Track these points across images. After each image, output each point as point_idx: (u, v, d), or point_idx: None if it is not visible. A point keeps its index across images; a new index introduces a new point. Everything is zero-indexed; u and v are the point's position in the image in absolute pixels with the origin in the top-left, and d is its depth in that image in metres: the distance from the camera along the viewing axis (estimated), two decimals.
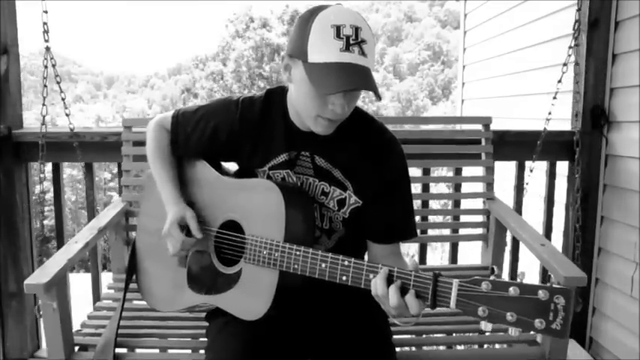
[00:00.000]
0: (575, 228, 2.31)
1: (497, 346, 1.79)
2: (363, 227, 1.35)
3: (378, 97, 1.16)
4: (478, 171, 2.25)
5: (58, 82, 2.20)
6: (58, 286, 1.50)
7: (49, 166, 2.38)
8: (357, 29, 1.13)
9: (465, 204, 2.35)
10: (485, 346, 1.93)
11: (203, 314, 1.47)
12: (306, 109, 1.20)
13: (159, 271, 1.49)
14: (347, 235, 1.37)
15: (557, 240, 2.51)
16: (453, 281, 0.99)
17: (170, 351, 1.69)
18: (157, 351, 1.69)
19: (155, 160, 1.45)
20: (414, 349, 1.68)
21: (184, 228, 1.37)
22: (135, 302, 1.84)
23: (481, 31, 4.82)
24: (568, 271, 1.54)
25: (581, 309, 2.27)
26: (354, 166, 1.30)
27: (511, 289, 0.94)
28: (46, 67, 2.12)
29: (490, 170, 2.21)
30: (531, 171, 2.34)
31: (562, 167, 2.47)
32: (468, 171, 2.35)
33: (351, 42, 1.11)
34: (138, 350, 1.63)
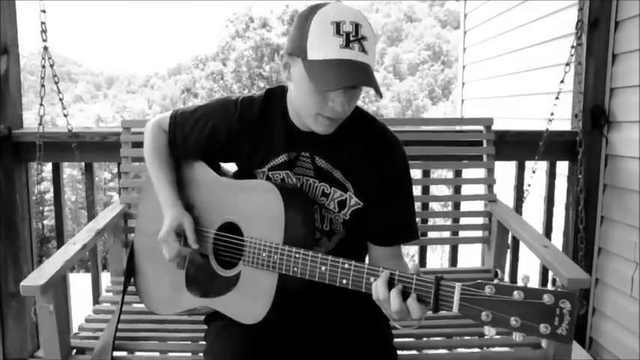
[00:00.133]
0: (578, 229, 2.30)
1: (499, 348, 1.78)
2: (364, 229, 1.33)
3: (379, 95, 1.14)
4: (479, 172, 2.24)
5: (56, 83, 2.19)
6: (55, 288, 1.49)
7: (48, 166, 2.38)
8: (357, 26, 1.11)
9: (467, 206, 2.34)
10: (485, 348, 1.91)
11: (202, 317, 1.45)
12: (306, 107, 1.18)
13: (157, 274, 1.47)
14: (347, 237, 1.35)
15: (557, 240, 2.51)
16: (455, 285, 0.97)
17: (169, 354, 1.66)
18: (156, 354, 1.66)
19: (153, 161, 1.43)
20: (414, 352, 1.66)
21: (181, 235, 1.35)
22: (134, 305, 1.82)
23: (481, 31, 4.82)
24: (571, 272, 1.53)
25: (584, 311, 2.28)
26: (355, 167, 1.28)
27: (515, 293, 0.92)
28: (44, 67, 2.11)
29: (491, 172, 2.19)
30: (534, 172, 2.33)
31: (562, 167, 2.47)
32: (469, 173, 2.35)
33: (351, 39, 1.10)
34: (137, 353, 1.61)
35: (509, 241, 2.22)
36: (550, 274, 2.41)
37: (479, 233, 2.24)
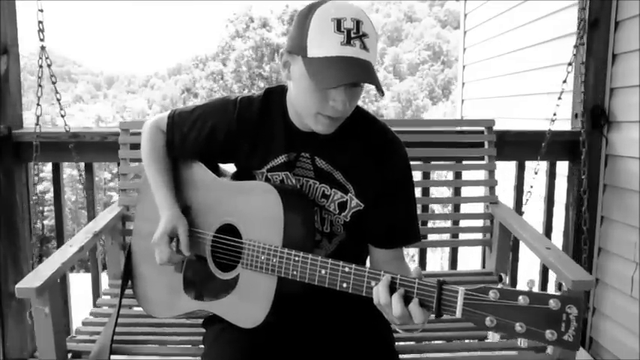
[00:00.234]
0: (582, 230, 2.29)
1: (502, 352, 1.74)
2: (365, 231, 1.30)
3: (381, 93, 1.11)
4: (480, 174, 2.23)
5: (54, 83, 2.19)
6: (51, 290, 1.46)
7: (48, 166, 2.38)
8: (358, 22, 1.08)
9: (468, 208, 2.32)
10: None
11: (201, 320, 1.43)
12: (306, 106, 1.16)
13: (154, 276, 1.45)
14: (348, 239, 1.33)
15: (557, 240, 2.51)
16: (458, 289, 0.95)
17: (168, 358, 1.64)
18: (154, 358, 1.64)
19: (150, 162, 1.40)
20: (416, 355, 1.64)
21: (174, 239, 1.32)
22: (132, 308, 1.81)
23: (481, 31, 4.83)
24: (575, 274, 1.51)
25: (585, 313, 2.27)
26: (356, 168, 1.26)
27: (520, 298, 0.89)
28: (40, 66, 2.09)
29: (493, 174, 2.18)
30: (536, 173, 2.33)
31: (562, 167, 2.47)
32: (470, 174, 2.33)
33: (352, 35, 1.07)
34: (134, 357, 1.59)
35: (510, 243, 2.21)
36: (550, 274, 2.42)
37: (480, 235, 2.22)
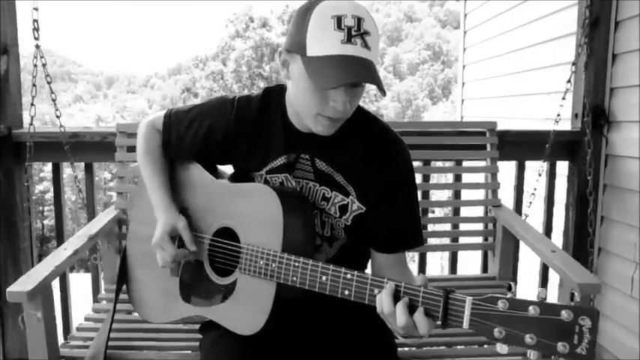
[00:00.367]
0: (587, 232, 2.29)
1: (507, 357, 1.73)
2: (366, 235, 1.27)
3: (383, 92, 1.07)
4: (481, 177, 2.20)
5: (49, 83, 2.18)
6: (44, 294, 1.42)
7: (48, 166, 2.38)
8: (359, 20, 1.04)
9: (468, 211, 2.30)
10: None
11: (198, 325, 1.40)
12: (305, 106, 1.12)
13: (150, 280, 1.41)
14: (349, 243, 1.29)
15: (557, 240, 2.51)
16: (466, 299, 0.91)
17: None
18: None
19: (145, 162, 1.36)
20: None
21: (176, 239, 1.29)
22: (128, 314, 1.77)
23: (481, 31, 4.83)
24: (582, 277, 1.48)
25: None
26: (357, 170, 1.22)
27: (531, 308, 0.85)
28: (35, 65, 2.09)
29: (495, 176, 2.16)
30: (540, 175, 2.32)
31: (562, 167, 2.47)
32: (471, 177, 2.29)
33: (353, 33, 1.03)
34: None
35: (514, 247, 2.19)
36: (550, 275, 2.41)
37: (483, 239, 2.19)
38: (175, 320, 1.37)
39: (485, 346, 1.66)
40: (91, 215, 2.32)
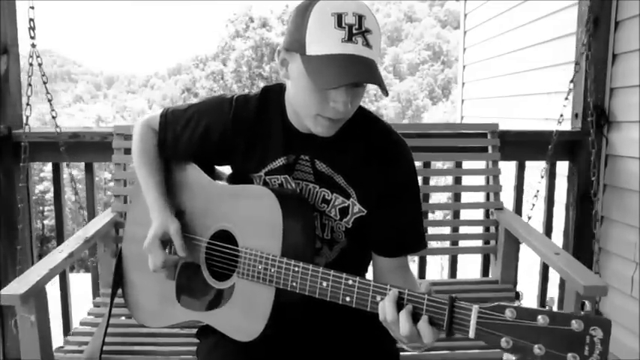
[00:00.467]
0: (592, 234, 2.27)
1: None
2: (368, 238, 1.23)
3: (385, 92, 1.04)
4: (482, 179, 2.19)
5: (45, 83, 2.18)
6: (37, 297, 1.38)
7: (48, 166, 2.38)
8: (360, 17, 1.01)
9: (468, 214, 2.28)
10: None
11: (195, 330, 1.37)
12: (305, 107, 1.09)
13: (146, 284, 1.37)
14: (350, 247, 1.25)
15: (557, 240, 2.51)
16: (472, 307, 0.88)
17: None
18: None
19: (141, 162, 1.33)
20: None
21: (168, 243, 1.25)
22: (123, 318, 1.75)
23: (481, 31, 4.83)
24: (587, 280, 1.46)
25: None
26: (358, 171, 1.19)
27: (539, 317, 0.82)
28: (31, 65, 2.08)
29: (497, 179, 2.14)
30: (542, 177, 2.32)
31: (562, 167, 2.47)
32: (472, 179, 2.27)
33: (354, 31, 1.00)
34: None
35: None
36: (550, 275, 2.41)
37: (482, 243, 2.18)
38: (172, 325, 1.34)
39: (489, 350, 1.63)
40: (91, 215, 2.33)
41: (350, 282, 1.01)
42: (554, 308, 0.85)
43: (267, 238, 1.13)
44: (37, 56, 2.10)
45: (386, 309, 0.95)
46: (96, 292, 2.25)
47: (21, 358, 1.44)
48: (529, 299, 2.28)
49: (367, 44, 1.01)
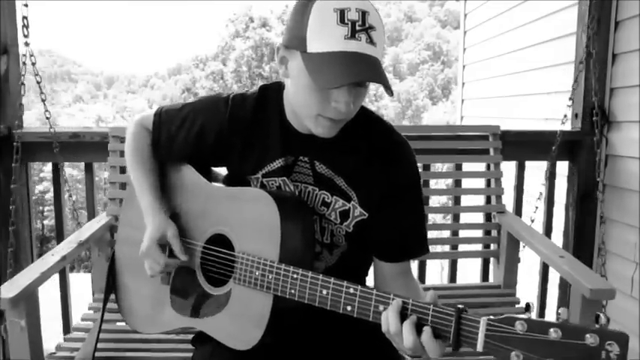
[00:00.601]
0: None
1: None
2: (369, 242, 1.19)
3: (390, 92, 1.00)
4: (482, 182, 2.17)
5: (39, 82, 2.16)
6: (28, 301, 1.34)
7: (48, 166, 2.38)
8: (364, 13, 0.96)
9: (468, 218, 2.25)
10: None
11: (190, 336, 1.32)
12: (305, 106, 1.04)
13: (140, 289, 1.33)
14: (350, 251, 1.20)
15: (557, 240, 2.51)
16: (480, 319, 0.83)
17: None
18: None
19: (134, 163, 1.28)
20: None
21: (165, 247, 1.21)
22: (118, 324, 1.71)
23: (481, 31, 4.82)
24: (593, 283, 1.42)
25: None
26: (359, 173, 1.14)
27: (552, 330, 0.78)
28: (24, 63, 2.06)
29: (499, 182, 2.12)
30: (546, 180, 2.31)
31: (562, 167, 2.47)
32: (473, 182, 2.27)
33: (358, 28, 0.95)
34: None
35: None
36: (550, 275, 2.41)
37: (482, 247, 2.17)
38: (166, 331, 1.30)
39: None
40: (91, 215, 2.33)
41: (351, 290, 0.97)
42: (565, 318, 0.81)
43: (265, 243, 1.08)
44: (31, 55, 2.08)
45: (389, 320, 0.91)
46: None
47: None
48: (529, 299, 2.27)
49: (371, 41, 0.97)
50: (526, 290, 2.24)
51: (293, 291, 1.03)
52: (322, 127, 1.05)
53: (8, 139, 2.22)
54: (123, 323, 1.54)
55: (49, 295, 2.38)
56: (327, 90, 0.99)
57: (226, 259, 1.16)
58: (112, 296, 1.42)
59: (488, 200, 2.23)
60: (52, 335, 2.07)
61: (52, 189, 2.39)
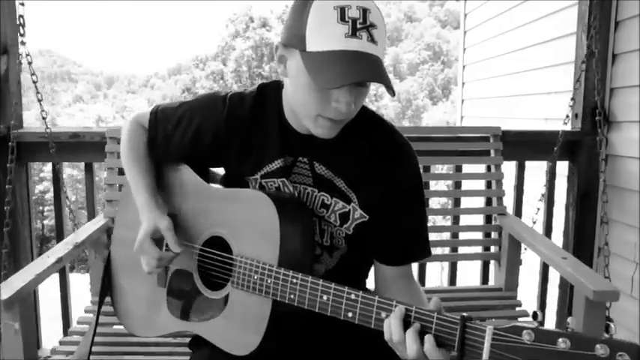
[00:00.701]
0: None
1: None
2: (369, 245, 1.16)
3: (392, 92, 0.97)
4: (482, 183, 2.17)
5: (35, 82, 2.16)
6: (22, 303, 1.32)
7: (48, 166, 2.38)
8: (365, 11, 0.94)
9: (468, 220, 2.21)
10: None
11: (188, 339, 1.29)
12: (304, 107, 1.02)
13: (136, 291, 1.30)
14: (350, 253, 1.18)
15: (557, 240, 2.51)
16: (486, 328, 0.81)
17: None
18: None
19: (129, 161, 1.25)
20: None
21: (160, 242, 1.18)
22: (115, 327, 1.70)
23: (481, 31, 4.83)
24: (597, 284, 1.41)
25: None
26: (360, 174, 1.11)
27: (560, 340, 0.76)
28: (20, 62, 2.05)
29: (500, 183, 2.11)
30: (548, 180, 2.31)
31: (562, 167, 2.47)
32: (473, 184, 2.26)
33: (358, 26, 0.93)
34: None
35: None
36: (550, 275, 2.41)
37: (482, 249, 2.16)
38: (162, 335, 1.27)
39: None
40: (91, 215, 2.32)
41: (352, 296, 0.94)
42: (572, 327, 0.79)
43: (264, 245, 1.06)
44: (27, 54, 2.07)
45: (392, 327, 0.88)
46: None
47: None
48: (529, 300, 2.27)
49: (372, 40, 0.94)
50: (526, 291, 2.24)
51: (292, 296, 1.01)
52: (322, 127, 1.03)
53: (8, 139, 2.22)
54: (119, 326, 1.53)
55: (49, 295, 2.38)
56: (327, 90, 0.97)
57: (224, 262, 1.13)
58: (109, 299, 1.40)
59: (488, 202, 2.22)
60: (52, 335, 2.08)
61: (52, 189, 2.39)
